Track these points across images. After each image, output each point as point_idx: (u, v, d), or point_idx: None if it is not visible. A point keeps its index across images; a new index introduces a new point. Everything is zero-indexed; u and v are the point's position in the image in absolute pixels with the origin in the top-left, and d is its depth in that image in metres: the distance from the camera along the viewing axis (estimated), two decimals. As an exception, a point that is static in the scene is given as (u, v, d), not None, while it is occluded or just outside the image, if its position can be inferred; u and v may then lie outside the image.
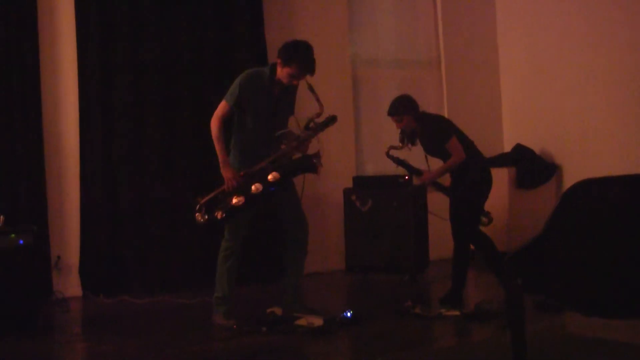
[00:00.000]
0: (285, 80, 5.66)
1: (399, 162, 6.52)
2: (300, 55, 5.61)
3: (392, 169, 8.65)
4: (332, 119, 5.77)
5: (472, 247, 6.48)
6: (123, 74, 7.56)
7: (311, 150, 5.77)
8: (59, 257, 7.34)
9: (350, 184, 7.91)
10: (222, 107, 5.76)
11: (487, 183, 6.38)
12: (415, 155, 6.70)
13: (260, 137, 5.75)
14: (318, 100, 5.62)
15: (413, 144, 6.53)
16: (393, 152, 6.50)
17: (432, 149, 6.46)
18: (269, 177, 5.63)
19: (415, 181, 6.55)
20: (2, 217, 6.02)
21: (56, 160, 7.43)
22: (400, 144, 6.44)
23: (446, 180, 6.50)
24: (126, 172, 7.55)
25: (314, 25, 8.48)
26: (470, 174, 6.30)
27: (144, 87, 7.64)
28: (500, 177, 8.52)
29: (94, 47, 7.47)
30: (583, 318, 4.91)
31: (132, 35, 7.61)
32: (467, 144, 6.35)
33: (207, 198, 5.68)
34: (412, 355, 2.71)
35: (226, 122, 5.79)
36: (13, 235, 5.84)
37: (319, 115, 5.69)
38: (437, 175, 6.41)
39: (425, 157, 6.64)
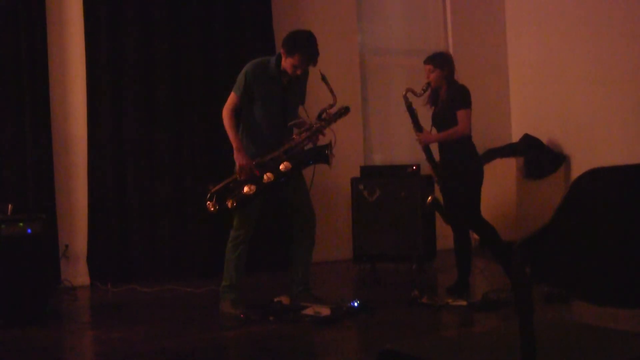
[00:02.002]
0: (289, 70, 5.66)
1: (410, 108, 6.36)
2: (303, 46, 5.61)
3: (399, 159, 8.71)
4: (345, 110, 5.76)
5: (475, 235, 6.47)
6: (131, 70, 7.57)
7: (323, 140, 5.77)
8: (67, 246, 7.37)
9: (358, 174, 7.91)
10: (231, 99, 5.78)
11: (479, 173, 6.33)
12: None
13: (270, 126, 5.75)
14: (331, 91, 5.62)
15: (432, 104, 6.46)
16: (410, 96, 6.37)
17: (444, 115, 6.30)
18: (281, 166, 5.63)
19: (417, 134, 6.40)
20: (10, 205, 6.03)
21: (64, 149, 7.45)
22: (421, 91, 6.35)
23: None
24: (134, 161, 7.57)
25: (323, 15, 8.48)
26: (464, 161, 6.24)
27: (153, 83, 7.65)
28: (508, 167, 8.52)
29: (103, 43, 7.49)
30: (591, 308, 4.94)
31: (141, 31, 7.63)
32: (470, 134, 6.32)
33: (218, 186, 5.68)
34: (419, 343, 2.71)
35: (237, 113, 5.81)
36: (21, 223, 5.84)
37: (331, 106, 5.69)
38: (436, 138, 6.34)
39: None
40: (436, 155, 6.40)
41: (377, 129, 8.95)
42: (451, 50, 9.11)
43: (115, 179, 7.51)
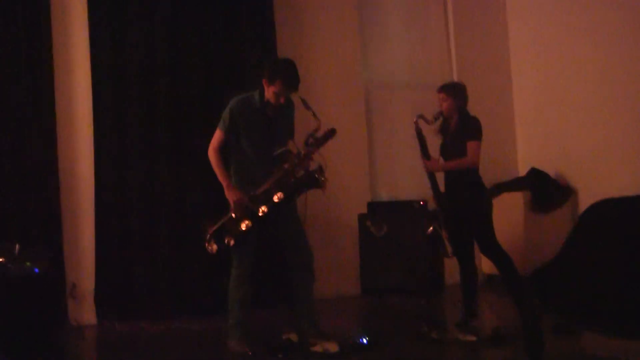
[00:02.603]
0: (272, 99, 5.67)
1: (420, 134, 6.32)
2: (283, 72, 5.63)
3: (406, 194, 8.68)
4: (331, 132, 5.72)
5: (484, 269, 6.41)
6: (135, 77, 7.64)
7: (314, 166, 5.74)
8: (74, 285, 7.34)
9: (364, 210, 7.90)
10: (216, 136, 5.80)
11: (489, 202, 6.30)
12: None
13: (259, 160, 5.74)
14: (314, 114, 5.61)
15: (442, 134, 6.41)
16: (420, 122, 6.30)
17: (453, 145, 6.25)
18: (274, 198, 5.61)
19: (425, 162, 6.34)
20: (18, 245, 6.02)
21: (71, 187, 7.46)
22: (432, 119, 6.31)
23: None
24: (140, 200, 7.58)
25: (327, 52, 8.52)
26: (470, 192, 6.19)
27: (155, 88, 7.70)
28: (516, 201, 8.50)
29: (107, 48, 7.56)
30: (600, 341, 4.89)
31: (144, 36, 7.67)
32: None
33: (215, 227, 5.66)
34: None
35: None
36: (28, 263, 5.83)
37: (317, 129, 5.67)
38: (444, 167, 6.27)
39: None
40: (441, 187, 6.36)
41: (383, 164, 8.94)
42: (456, 85, 9.14)
43: (122, 216, 7.51)
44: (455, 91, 6.29)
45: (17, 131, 7.23)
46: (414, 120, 6.30)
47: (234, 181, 5.77)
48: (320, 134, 5.70)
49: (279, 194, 5.61)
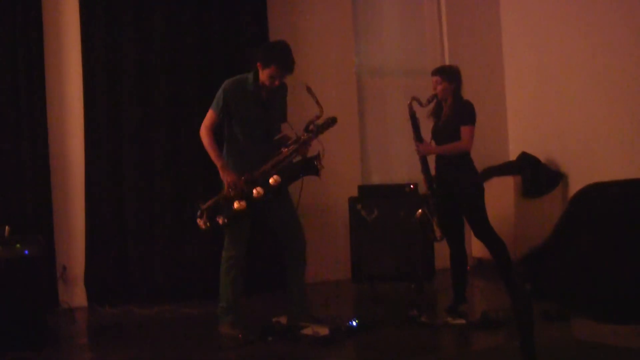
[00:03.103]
0: (267, 82, 5.67)
1: (414, 117, 6.29)
2: (278, 56, 5.64)
3: (397, 178, 8.69)
4: (332, 121, 5.76)
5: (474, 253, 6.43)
6: (129, 71, 7.60)
7: (312, 152, 5.76)
8: (64, 268, 7.35)
9: (355, 193, 7.90)
10: (209, 116, 5.78)
11: (481, 187, 6.30)
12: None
13: (252, 142, 5.75)
14: (317, 102, 5.63)
15: (435, 118, 6.39)
16: (414, 105, 6.24)
17: (445, 130, 6.22)
18: (271, 180, 5.62)
19: (417, 145, 6.31)
20: (7, 227, 6.01)
21: (62, 170, 7.44)
22: (426, 102, 6.27)
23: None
24: (132, 183, 7.55)
25: (319, 36, 8.50)
26: (461, 176, 6.18)
27: (149, 86, 7.65)
28: (506, 186, 8.51)
29: (99, 46, 7.51)
30: (590, 326, 4.92)
31: (137, 33, 7.63)
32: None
33: (208, 204, 5.66)
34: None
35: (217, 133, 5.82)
36: (18, 245, 5.82)
37: (318, 117, 5.71)
38: (437, 150, 6.25)
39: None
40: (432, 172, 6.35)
41: (375, 149, 8.94)
42: (448, 70, 9.13)
43: (113, 199, 7.49)
44: (449, 74, 6.26)
45: (7, 115, 7.19)
46: (408, 102, 6.25)
47: (228, 162, 5.76)
48: (321, 121, 5.74)
49: (276, 177, 5.62)
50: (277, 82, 5.68)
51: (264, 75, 5.67)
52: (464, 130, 6.11)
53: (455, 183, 6.17)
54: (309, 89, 5.64)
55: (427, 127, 6.44)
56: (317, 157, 5.67)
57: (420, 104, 6.22)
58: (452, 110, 6.22)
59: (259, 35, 8.00)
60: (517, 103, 9.41)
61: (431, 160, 6.36)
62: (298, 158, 5.77)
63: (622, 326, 2.17)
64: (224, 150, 5.83)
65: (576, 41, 8.48)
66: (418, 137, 6.30)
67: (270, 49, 5.74)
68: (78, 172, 7.47)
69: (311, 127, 5.72)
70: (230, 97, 5.72)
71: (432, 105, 6.32)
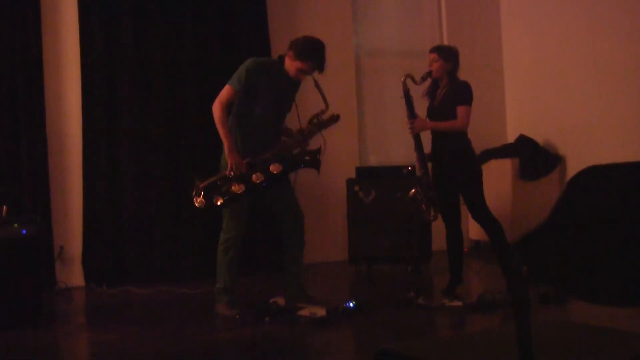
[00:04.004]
0: (292, 73, 5.67)
1: (407, 94, 6.24)
2: (317, 54, 5.65)
3: (395, 160, 8.69)
4: (336, 118, 5.83)
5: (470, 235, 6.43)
6: (126, 68, 7.58)
7: (313, 146, 5.79)
8: (62, 248, 7.35)
9: (353, 175, 7.90)
10: (227, 92, 5.66)
11: (478, 167, 6.29)
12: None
13: (264, 127, 5.74)
14: (324, 97, 5.66)
15: (430, 97, 6.36)
16: (408, 82, 6.17)
17: (441, 109, 6.18)
18: (271, 167, 5.63)
19: (410, 121, 6.26)
20: (5, 207, 6.01)
21: (59, 150, 7.45)
22: (421, 80, 6.22)
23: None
24: (129, 162, 7.56)
25: (318, 17, 8.48)
26: (458, 156, 6.15)
27: (147, 83, 7.64)
28: (504, 168, 8.52)
29: (98, 43, 7.50)
30: (587, 309, 4.94)
31: (136, 32, 7.62)
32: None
33: (206, 182, 5.64)
34: (415, 344, 2.71)
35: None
36: (16, 225, 5.81)
37: (323, 112, 5.74)
38: (432, 126, 6.19)
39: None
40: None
41: (373, 130, 8.94)
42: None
43: (110, 180, 7.50)
44: (447, 53, 6.22)
45: (5, 95, 7.18)
46: (402, 79, 6.18)
47: (235, 139, 5.70)
48: (325, 116, 5.77)
49: (277, 165, 5.63)
50: (302, 77, 5.72)
51: (292, 65, 5.66)
52: (460, 109, 6.06)
53: (453, 166, 6.15)
54: (317, 84, 5.65)
55: (422, 107, 6.39)
56: (319, 151, 5.69)
57: (415, 81, 6.14)
58: (447, 89, 6.18)
59: (257, 14, 7.98)
60: (516, 85, 9.40)
61: (427, 141, 6.30)
62: (299, 150, 5.78)
63: (619, 309, 2.17)
64: (231, 124, 5.74)
65: (575, 23, 8.46)
66: (412, 114, 6.20)
67: (311, 45, 5.68)
68: (75, 152, 7.47)
69: (315, 120, 5.77)
70: (254, 76, 5.66)
71: (426, 84, 6.29)
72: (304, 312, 5.60)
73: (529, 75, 9.17)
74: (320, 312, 5.56)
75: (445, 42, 9.07)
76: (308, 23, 8.32)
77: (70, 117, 7.49)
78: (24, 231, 5.80)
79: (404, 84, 6.18)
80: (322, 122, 5.78)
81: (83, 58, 7.46)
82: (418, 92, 6.36)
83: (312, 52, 5.63)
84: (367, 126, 8.94)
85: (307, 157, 5.78)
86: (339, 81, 8.29)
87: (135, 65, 7.59)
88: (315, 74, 5.69)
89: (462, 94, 6.12)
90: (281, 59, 5.74)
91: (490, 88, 9.35)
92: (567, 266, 2.13)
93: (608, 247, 2.12)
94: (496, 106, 9.44)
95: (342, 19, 8.70)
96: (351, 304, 5.70)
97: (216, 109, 5.63)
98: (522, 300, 2.07)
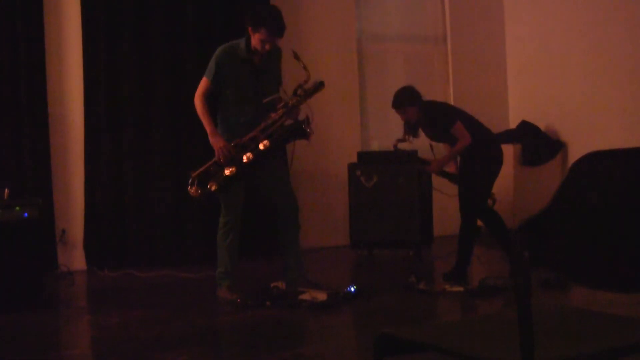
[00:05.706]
0: (258, 47, 5.63)
1: (415, 158, 6.52)
2: (267, 19, 5.58)
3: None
4: (320, 85, 5.69)
5: (480, 223, 6.45)
6: (128, 68, 7.57)
7: (301, 116, 5.75)
8: (64, 231, 7.36)
9: (355, 159, 7.89)
10: (202, 84, 5.76)
11: (498, 161, 6.34)
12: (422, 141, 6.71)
13: (244, 108, 5.74)
14: (304, 67, 5.58)
15: (415, 136, 6.54)
16: (400, 145, 6.53)
17: (438, 136, 6.43)
18: (260, 145, 5.61)
19: (426, 169, 6.56)
20: (7, 190, 6.01)
21: (61, 133, 7.44)
22: (405, 137, 6.45)
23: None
24: (131, 147, 7.55)
25: (320, 3, 8.44)
26: (480, 152, 6.24)
27: (150, 81, 7.64)
28: (506, 154, 8.45)
29: (100, 41, 7.48)
30: (588, 294, 4.94)
31: (138, 30, 7.59)
32: (475, 125, 6.30)
33: (199, 171, 5.67)
34: (416, 328, 2.71)
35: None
36: (18, 208, 5.82)
37: (306, 81, 5.66)
38: (445, 162, 6.42)
39: (430, 145, 6.65)
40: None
41: (375, 115, 8.91)
42: (449, 37, 9.09)
43: (112, 163, 7.49)
44: (408, 99, 6.41)
45: (7, 77, 7.17)
46: (393, 145, 6.68)
47: (220, 130, 5.77)
48: (309, 85, 5.69)
49: (265, 142, 5.61)
50: (267, 47, 5.63)
51: (255, 39, 5.63)
52: (454, 130, 6.21)
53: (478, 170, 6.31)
54: (295, 54, 5.59)
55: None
56: (306, 121, 5.65)
57: (403, 140, 6.61)
58: (429, 121, 6.38)
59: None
60: (518, 71, 9.38)
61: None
62: (288, 122, 5.75)
63: (620, 294, 2.17)
64: (217, 117, 5.81)
65: (577, 9, 8.43)
66: (422, 162, 6.61)
67: (259, 12, 5.67)
68: (77, 135, 7.46)
69: (299, 91, 5.68)
70: (222, 63, 5.69)
71: (402, 130, 6.57)
72: (305, 297, 5.61)
73: (531, 60, 9.14)
74: (322, 296, 5.57)
75: (448, 27, 9.06)
76: (311, 9, 8.30)
77: (72, 102, 7.48)
78: (26, 214, 5.82)
79: (396, 148, 6.75)
80: (307, 91, 5.68)
81: (85, 44, 7.45)
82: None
83: (262, 19, 5.57)
84: (369, 111, 8.91)
85: (293, 129, 5.72)
86: (341, 66, 8.28)
87: (137, 63, 7.59)
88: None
89: (444, 117, 6.33)
90: (248, 37, 5.70)
91: (492, 73, 9.33)
92: (569, 252, 2.13)
93: (610, 233, 2.12)
94: (498, 92, 9.41)
95: (344, 3, 8.66)
96: (352, 289, 5.70)
97: (195, 100, 5.74)
98: (524, 286, 2.06)
